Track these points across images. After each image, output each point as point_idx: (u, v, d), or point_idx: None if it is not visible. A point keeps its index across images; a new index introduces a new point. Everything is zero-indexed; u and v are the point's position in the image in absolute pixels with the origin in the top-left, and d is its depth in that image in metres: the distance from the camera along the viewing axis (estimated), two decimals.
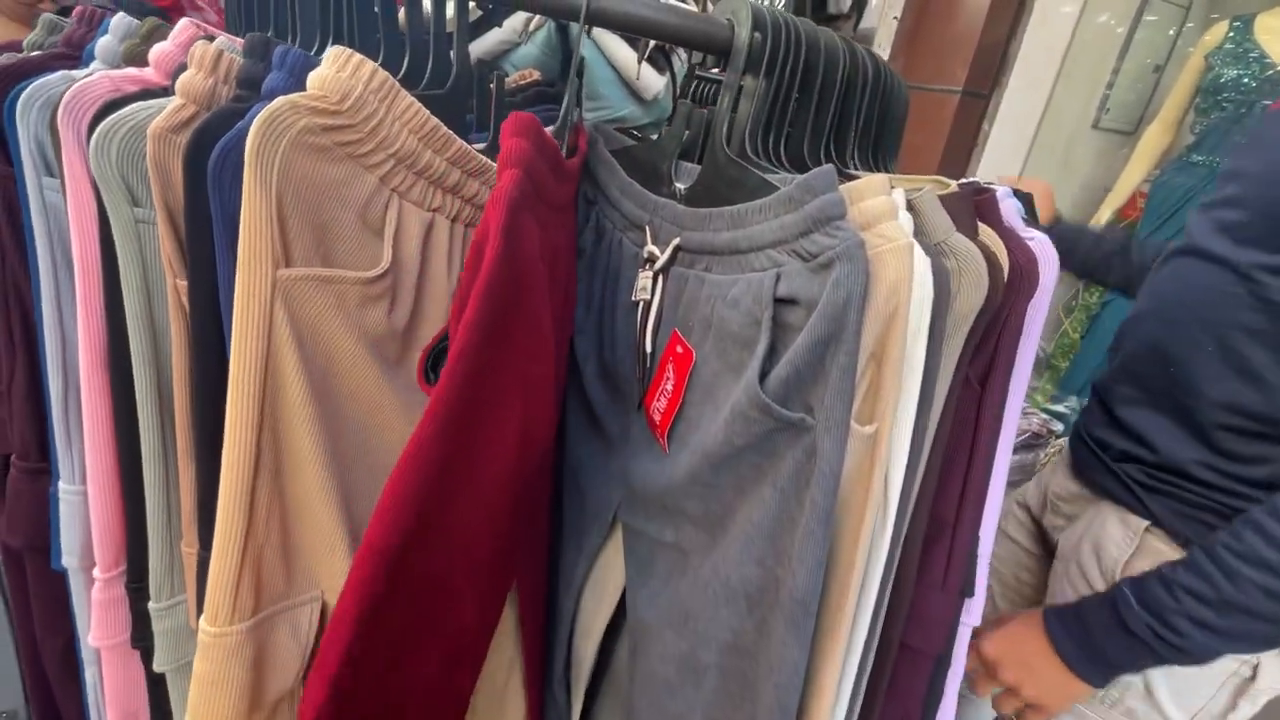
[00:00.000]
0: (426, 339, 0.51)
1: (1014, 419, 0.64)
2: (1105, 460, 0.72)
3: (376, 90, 0.39)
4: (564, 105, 0.55)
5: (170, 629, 0.52)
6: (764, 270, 0.46)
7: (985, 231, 0.53)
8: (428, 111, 0.42)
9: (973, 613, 0.70)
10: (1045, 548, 0.87)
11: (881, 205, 0.42)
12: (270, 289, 0.37)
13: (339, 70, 0.38)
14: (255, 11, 0.55)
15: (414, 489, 0.39)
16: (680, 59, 0.73)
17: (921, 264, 0.43)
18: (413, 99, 0.41)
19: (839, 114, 0.60)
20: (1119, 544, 0.68)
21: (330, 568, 0.46)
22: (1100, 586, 0.70)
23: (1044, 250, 0.58)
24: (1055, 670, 0.62)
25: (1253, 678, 0.65)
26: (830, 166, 0.42)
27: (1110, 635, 0.58)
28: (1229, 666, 0.65)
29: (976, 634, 0.68)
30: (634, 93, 0.67)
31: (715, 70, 0.82)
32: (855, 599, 0.48)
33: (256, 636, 0.42)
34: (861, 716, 0.65)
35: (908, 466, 0.48)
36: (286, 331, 0.38)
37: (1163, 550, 0.67)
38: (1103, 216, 2.04)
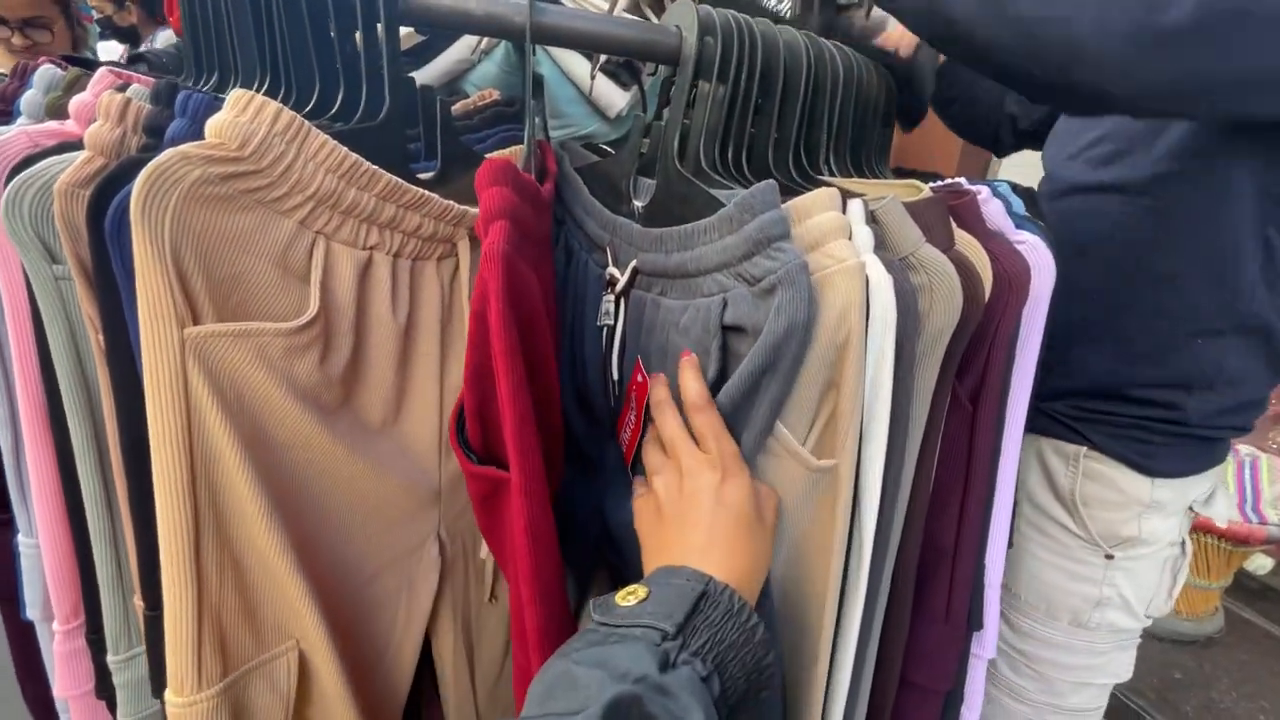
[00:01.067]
0: (374, 381, 0.49)
1: (1016, 436, 0.59)
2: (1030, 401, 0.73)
3: (283, 132, 0.38)
4: (526, 131, 0.53)
5: (130, 681, 0.51)
6: (711, 295, 0.43)
7: (964, 239, 0.48)
8: (345, 149, 0.40)
9: (985, 645, 0.65)
10: None
11: (829, 222, 0.39)
12: (179, 349, 0.36)
13: (238, 115, 0.36)
14: (202, 47, 0.54)
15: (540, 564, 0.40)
16: (649, 73, 0.71)
17: (882, 284, 0.39)
18: (326, 137, 0.40)
19: (807, 118, 0.56)
20: (1065, 473, 0.73)
21: (299, 618, 0.45)
22: (1055, 512, 0.75)
23: (1036, 254, 0.53)
24: None
25: (1182, 553, 0.75)
26: (770, 182, 0.39)
27: None
28: (1166, 552, 0.74)
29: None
30: (598, 110, 0.65)
31: None
32: (830, 635, 0.44)
33: (230, 698, 0.42)
34: None
35: (884, 499, 0.44)
36: (204, 390, 0.37)
37: (1106, 472, 0.71)
38: None
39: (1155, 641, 1.54)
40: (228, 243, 0.37)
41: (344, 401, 0.47)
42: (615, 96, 0.64)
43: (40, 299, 0.41)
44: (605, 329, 0.55)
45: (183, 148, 0.34)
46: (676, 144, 0.49)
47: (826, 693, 0.48)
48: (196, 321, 0.36)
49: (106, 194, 0.36)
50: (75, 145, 0.42)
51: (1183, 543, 0.75)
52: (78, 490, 0.46)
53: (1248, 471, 1.49)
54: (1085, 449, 0.72)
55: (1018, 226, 0.56)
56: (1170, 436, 0.69)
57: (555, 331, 0.54)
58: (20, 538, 0.52)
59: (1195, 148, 0.61)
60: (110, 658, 0.50)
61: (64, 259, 0.40)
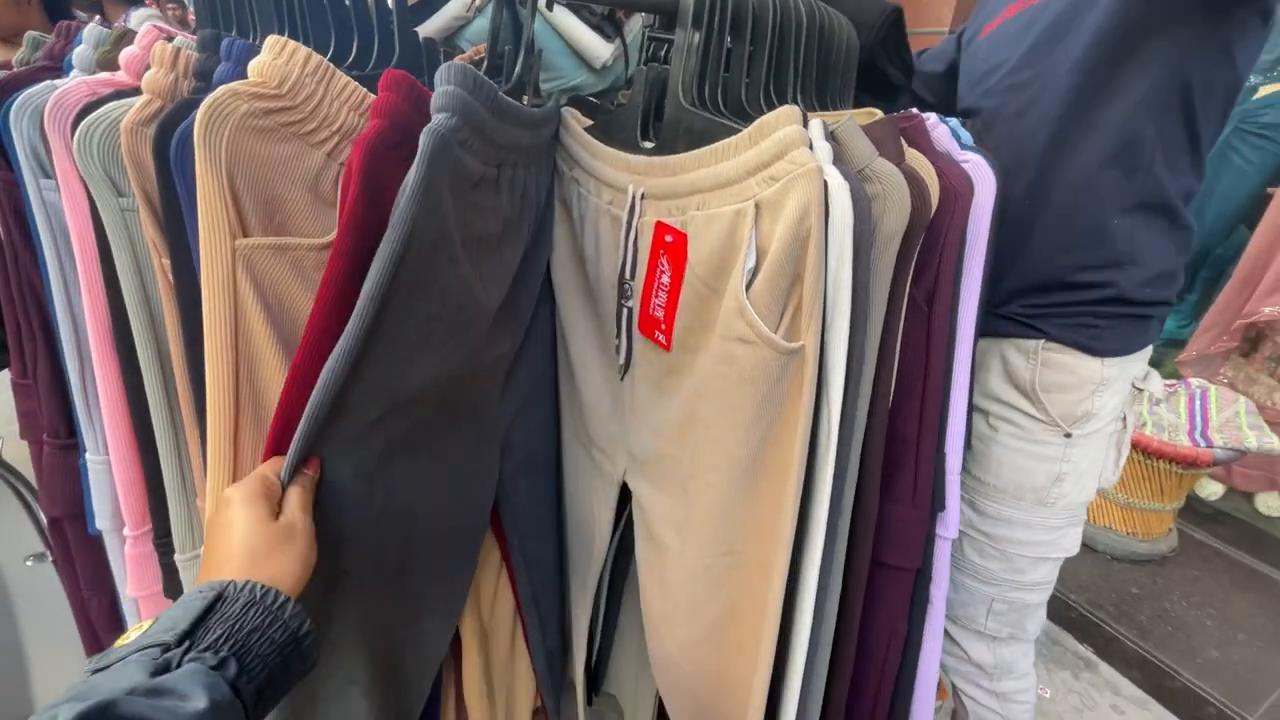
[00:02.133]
0: None
1: (969, 335, 0.67)
2: (985, 309, 0.83)
3: (313, 73, 0.43)
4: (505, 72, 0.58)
5: (196, 578, 0.57)
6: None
7: (913, 155, 0.55)
8: (365, 89, 0.46)
9: (948, 525, 0.73)
10: None
11: (791, 134, 0.45)
12: (230, 256, 0.42)
13: (275, 57, 0.42)
14: (219, 7, 0.59)
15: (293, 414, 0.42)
16: (630, 27, 0.76)
17: (840, 189, 0.46)
18: (349, 79, 0.45)
19: (774, 60, 0.62)
20: (1025, 366, 0.82)
21: None
22: (1017, 401, 0.84)
23: (979, 170, 0.60)
24: None
25: (1124, 427, 0.86)
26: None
27: None
28: (1112, 427, 0.84)
29: None
30: (585, 61, 0.70)
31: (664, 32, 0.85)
32: (795, 506, 0.51)
33: None
34: (843, 629, 0.69)
35: (848, 379, 0.51)
36: (251, 294, 0.43)
37: (1061, 359, 0.81)
38: None
39: (1115, 562, 1.66)
40: (270, 168, 0.43)
41: None
42: (600, 48, 0.70)
43: (109, 229, 0.47)
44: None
45: (232, 85, 0.40)
46: (680, 87, 0.55)
47: (801, 568, 0.55)
48: (246, 235, 0.42)
49: (168, 130, 0.42)
50: (130, 92, 0.47)
51: (1124, 418, 0.85)
52: (144, 405, 0.52)
53: (1198, 401, 1.59)
54: (1043, 341, 0.81)
55: (963, 148, 0.62)
56: (1112, 317, 0.78)
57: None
58: (88, 455, 0.58)
59: (1112, 42, 0.69)
60: (178, 557, 0.56)
61: (129, 191, 0.46)
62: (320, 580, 0.43)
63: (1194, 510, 1.81)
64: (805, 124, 0.48)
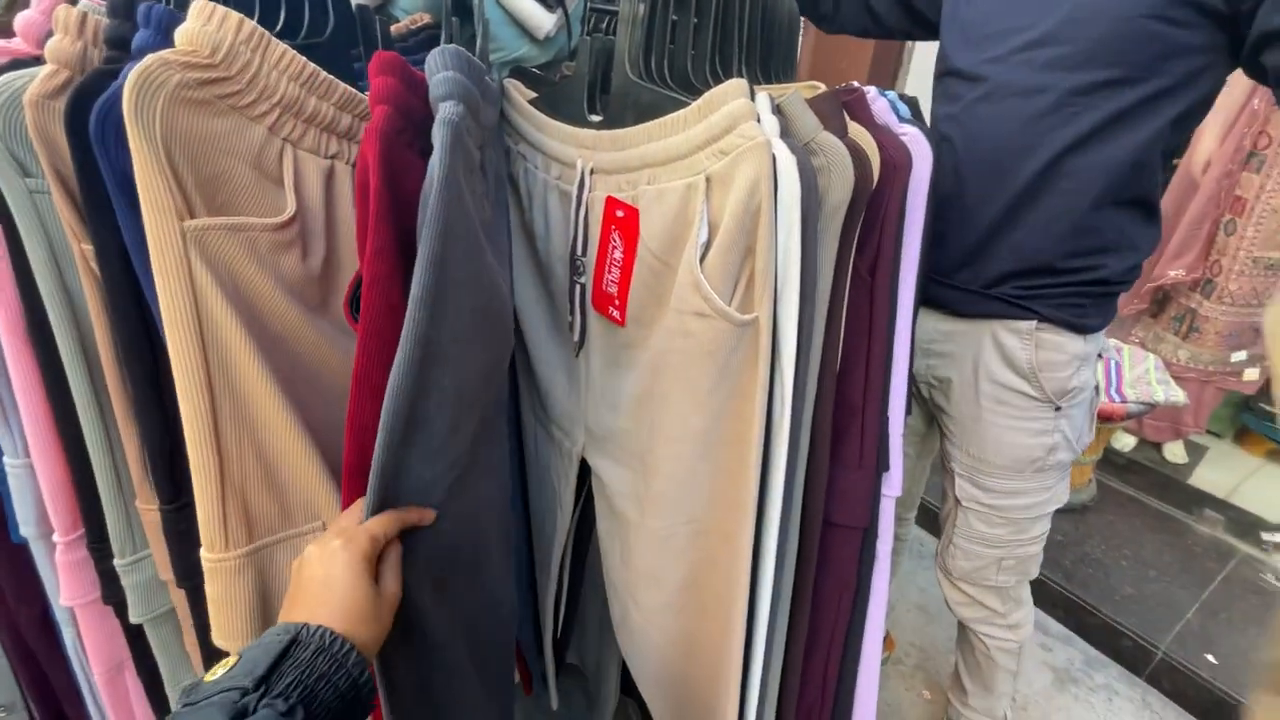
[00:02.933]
0: (345, 283, 0.54)
1: (909, 302, 0.70)
2: (975, 290, 0.89)
3: (247, 40, 0.41)
4: (442, 43, 0.57)
5: (139, 583, 0.55)
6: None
7: (855, 129, 0.57)
8: (303, 58, 0.44)
9: (892, 484, 0.77)
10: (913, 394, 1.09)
11: (739, 108, 0.46)
12: (181, 240, 0.39)
13: (204, 23, 0.39)
14: None
15: (368, 420, 0.42)
16: None
17: (788, 163, 0.47)
18: (285, 47, 0.43)
19: (719, 34, 0.63)
20: (1020, 347, 0.87)
21: (323, 499, 0.50)
22: (1016, 384, 0.89)
23: (917, 143, 0.62)
24: None
25: (1095, 394, 0.94)
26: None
27: None
28: (1088, 395, 0.92)
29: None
30: (527, 32, 0.68)
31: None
32: (757, 474, 0.53)
33: (255, 563, 0.47)
34: (799, 588, 0.72)
35: (799, 349, 0.53)
36: (208, 279, 0.41)
37: (1054, 339, 0.86)
38: None
39: None
40: (209, 144, 0.40)
41: (322, 301, 0.51)
42: (543, 19, 0.68)
43: (16, 213, 0.43)
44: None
45: (161, 54, 0.37)
46: (627, 60, 0.55)
47: (760, 532, 0.57)
48: (192, 215, 0.40)
49: (84, 103, 0.39)
50: (30, 62, 0.43)
51: (1096, 386, 0.94)
52: (69, 401, 0.49)
53: (1113, 361, 1.71)
54: (1035, 322, 0.86)
55: (901, 122, 0.65)
56: (1095, 297, 0.85)
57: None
58: (6, 460, 0.54)
59: (1143, 63, 0.73)
60: (117, 562, 0.53)
61: (37, 171, 0.42)
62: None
63: (1110, 462, 1.96)
64: (753, 97, 0.48)
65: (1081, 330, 0.86)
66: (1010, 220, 0.83)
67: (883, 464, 0.73)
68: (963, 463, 0.98)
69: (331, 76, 0.46)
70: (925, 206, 0.67)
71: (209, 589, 0.45)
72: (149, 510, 0.52)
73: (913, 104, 0.75)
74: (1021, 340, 0.87)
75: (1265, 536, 1.67)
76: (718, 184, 0.48)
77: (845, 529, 0.74)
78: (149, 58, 0.36)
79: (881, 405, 0.70)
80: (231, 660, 0.36)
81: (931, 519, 1.56)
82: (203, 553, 0.43)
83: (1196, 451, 2.00)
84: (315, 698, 0.35)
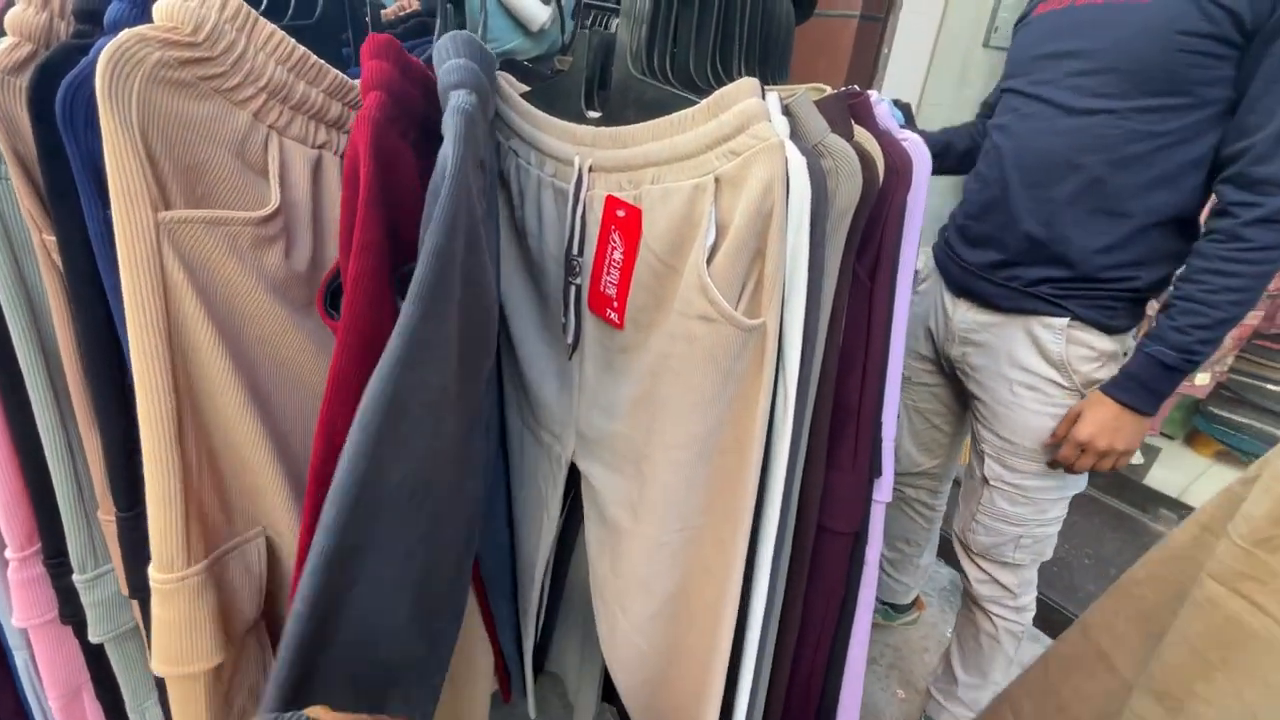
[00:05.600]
0: None
1: (904, 306, 0.70)
2: (1016, 288, 0.96)
3: (233, 18, 0.38)
4: (436, 34, 0.54)
5: (101, 600, 0.51)
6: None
7: (860, 133, 0.56)
8: (292, 40, 0.41)
9: (883, 490, 0.77)
10: (947, 373, 1.17)
11: (752, 107, 0.45)
12: (154, 232, 0.36)
13: None
14: None
15: (340, 423, 0.39)
16: None
17: (799, 164, 0.46)
18: (274, 27, 0.40)
19: (721, 32, 0.61)
20: (1053, 340, 0.95)
21: (269, 504, 0.47)
22: (1048, 372, 0.96)
23: (917, 149, 0.62)
24: (1132, 420, 0.88)
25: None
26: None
27: (1159, 377, 0.84)
28: None
29: (1056, 434, 0.96)
30: (521, 24, 0.66)
31: None
32: (756, 480, 0.52)
33: (214, 575, 0.44)
34: (790, 594, 0.71)
35: (803, 354, 0.52)
36: (181, 277, 0.38)
37: (1085, 337, 0.93)
38: None
39: None
40: (190, 129, 0.37)
41: (308, 301, 0.48)
42: (538, 11, 0.66)
43: None
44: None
45: (139, 30, 0.34)
46: (630, 55, 0.53)
47: (755, 538, 0.56)
48: (168, 207, 0.37)
49: (50, 80, 0.36)
50: None
51: None
52: (26, 407, 0.45)
53: None
54: (1068, 319, 0.93)
55: (901, 128, 0.65)
56: (1127, 302, 0.91)
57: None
58: None
59: (1187, 88, 0.79)
60: (77, 577, 0.50)
61: None
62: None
63: None
64: (763, 97, 0.47)
65: (1110, 330, 0.92)
66: (1053, 231, 0.90)
67: (876, 469, 0.73)
68: (993, 444, 1.05)
69: (322, 61, 0.43)
70: (922, 210, 0.67)
71: (164, 614, 0.41)
72: (110, 520, 0.48)
73: (906, 110, 0.76)
74: (1054, 334, 0.94)
75: None
76: (727, 185, 0.47)
77: (836, 534, 0.74)
78: (125, 33, 0.33)
79: (876, 409, 0.70)
80: None
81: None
82: (155, 574, 0.40)
83: (1150, 452, 2.08)
84: None
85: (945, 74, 2.28)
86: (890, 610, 1.53)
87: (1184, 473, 1.97)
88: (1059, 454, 0.94)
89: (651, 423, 0.58)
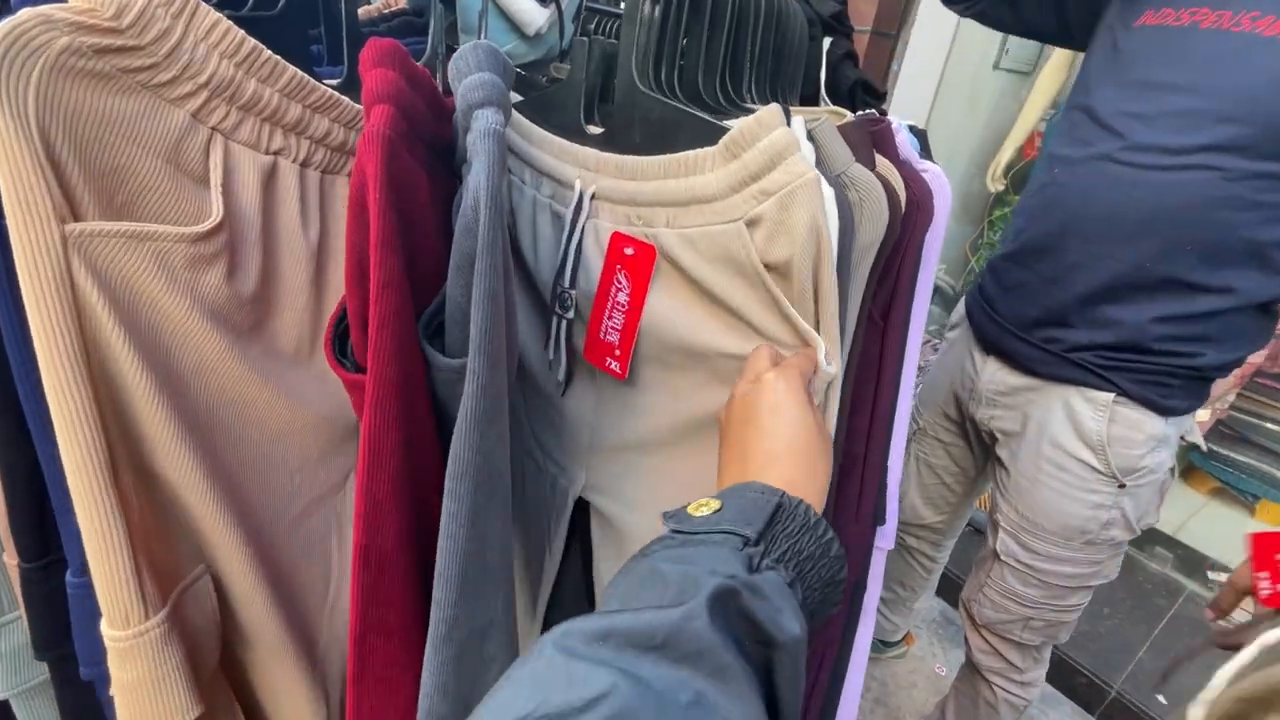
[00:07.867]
0: (286, 305, 0.45)
1: (915, 351, 0.65)
2: (1055, 353, 0.82)
3: (167, 4, 0.32)
4: (430, 35, 0.49)
5: (8, 650, 0.45)
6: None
7: (882, 163, 0.51)
8: (242, 32, 0.35)
9: (886, 538, 0.72)
10: (971, 438, 1.04)
11: (782, 138, 0.39)
12: (60, 247, 0.30)
13: None
14: None
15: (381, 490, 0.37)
16: None
17: (828, 197, 0.41)
18: (220, 16, 0.34)
19: (732, 45, 0.56)
20: (1093, 417, 0.80)
21: (213, 542, 0.42)
22: (1082, 454, 0.82)
23: (937, 182, 0.57)
24: None
25: (1171, 475, 0.84)
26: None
27: None
28: (1162, 476, 0.83)
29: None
30: (516, 27, 0.61)
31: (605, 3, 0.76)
32: None
33: (176, 621, 0.39)
34: None
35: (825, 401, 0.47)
36: (97, 297, 0.32)
37: (1132, 416, 0.79)
38: (1004, 156, 2.11)
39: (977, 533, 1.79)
40: (107, 129, 0.32)
41: (255, 325, 0.42)
42: (534, 13, 0.61)
43: None
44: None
45: (43, 9, 0.29)
46: (635, 67, 0.47)
47: None
48: (78, 218, 0.31)
49: None
50: None
51: (1172, 468, 0.85)
52: None
53: None
54: (1114, 395, 0.78)
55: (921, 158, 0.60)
56: (1186, 380, 0.77)
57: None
58: None
59: None
60: None
61: None
62: None
63: None
64: (788, 123, 0.42)
65: (1164, 411, 0.78)
66: (1112, 293, 0.75)
67: (880, 517, 0.68)
68: (1010, 519, 0.92)
69: (278, 58, 0.38)
70: (939, 247, 0.62)
71: (125, 675, 0.37)
72: (14, 565, 0.42)
73: (922, 137, 0.71)
74: (1095, 410, 0.80)
75: (1211, 575, 1.71)
76: (764, 226, 0.41)
77: None
78: (24, 12, 0.28)
79: (883, 456, 0.65)
80: (713, 503, 0.30)
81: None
82: (109, 632, 0.35)
83: None
84: (804, 579, 0.29)
85: (955, 95, 2.25)
86: (879, 644, 1.49)
87: (1179, 509, 1.94)
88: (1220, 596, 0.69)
89: (683, 463, 0.53)
